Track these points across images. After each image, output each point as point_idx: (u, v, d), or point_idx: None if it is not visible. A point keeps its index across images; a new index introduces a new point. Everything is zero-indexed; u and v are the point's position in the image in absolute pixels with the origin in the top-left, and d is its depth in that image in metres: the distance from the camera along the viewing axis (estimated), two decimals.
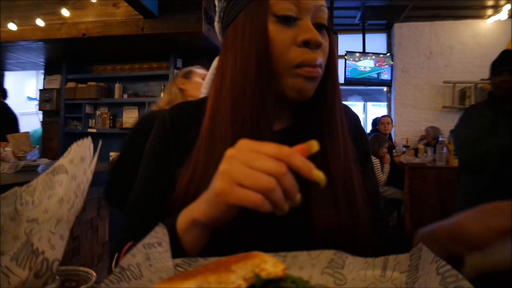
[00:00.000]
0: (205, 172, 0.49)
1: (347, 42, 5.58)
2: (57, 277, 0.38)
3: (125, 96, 4.16)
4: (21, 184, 0.42)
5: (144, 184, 0.59)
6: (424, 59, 5.52)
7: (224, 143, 0.49)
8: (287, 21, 0.51)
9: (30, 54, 4.09)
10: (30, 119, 6.73)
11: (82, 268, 0.45)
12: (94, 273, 0.44)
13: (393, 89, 5.70)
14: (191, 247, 0.41)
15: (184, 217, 0.42)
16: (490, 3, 4.91)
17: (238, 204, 0.35)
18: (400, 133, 5.50)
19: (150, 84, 4.16)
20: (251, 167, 0.35)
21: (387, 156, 3.62)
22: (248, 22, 0.52)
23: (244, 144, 0.37)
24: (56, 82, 4.35)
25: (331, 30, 0.56)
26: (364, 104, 6.57)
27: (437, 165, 3.36)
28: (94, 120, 4.24)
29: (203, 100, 0.59)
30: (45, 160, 2.14)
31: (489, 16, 5.23)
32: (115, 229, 2.32)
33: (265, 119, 0.51)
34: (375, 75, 5.58)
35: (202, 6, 3.20)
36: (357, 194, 0.54)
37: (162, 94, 3.97)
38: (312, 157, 0.55)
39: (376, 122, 4.59)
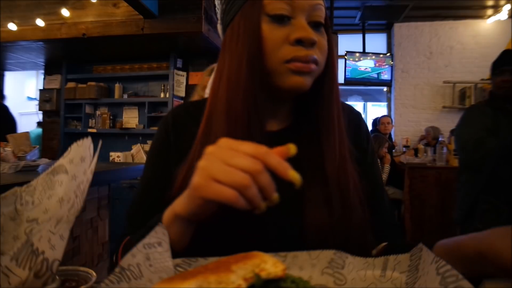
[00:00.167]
0: None
1: (347, 42, 5.58)
2: (57, 277, 0.38)
3: (125, 96, 4.16)
4: (21, 184, 0.42)
5: (146, 184, 0.61)
6: (424, 59, 5.52)
7: None
8: (280, 20, 0.51)
9: (30, 54, 4.08)
10: (30, 119, 6.74)
11: (82, 268, 0.45)
12: (94, 273, 0.44)
13: (393, 89, 5.70)
14: (175, 241, 0.42)
15: (168, 212, 0.44)
16: (490, 3, 4.91)
17: (213, 199, 0.36)
18: (400, 133, 5.50)
19: (150, 84, 4.15)
20: (228, 164, 0.36)
21: (388, 156, 3.62)
22: (242, 22, 0.53)
23: (224, 142, 0.38)
24: (56, 82, 4.35)
25: (330, 28, 0.56)
26: (364, 104, 6.57)
27: (437, 165, 3.35)
28: (94, 120, 4.24)
29: (206, 101, 0.59)
30: (45, 160, 2.14)
31: (489, 16, 5.23)
32: (115, 229, 2.32)
33: (256, 119, 0.52)
34: (375, 75, 5.58)
35: (202, 6, 3.20)
36: (352, 194, 0.53)
37: (162, 94, 3.99)
38: (308, 156, 0.55)
39: (376, 122, 4.59)
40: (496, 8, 5.00)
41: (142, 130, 4.00)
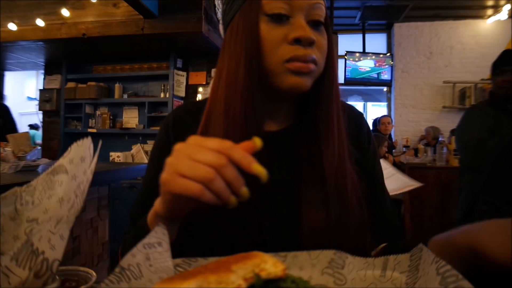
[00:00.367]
0: None
1: (347, 42, 5.57)
2: (57, 277, 0.38)
3: (125, 96, 4.15)
4: (21, 184, 0.42)
5: (148, 184, 0.62)
6: (424, 59, 5.52)
7: None
8: (278, 19, 0.51)
9: (30, 54, 4.08)
10: (30, 119, 6.73)
11: (82, 268, 0.45)
12: (94, 273, 0.44)
13: (393, 89, 5.70)
14: None
15: (151, 211, 0.45)
16: (490, 3, 4.91)
17: (179, 193, 0.37)
18: (400, 133, 5.49)
19: (150, 84, 4.15)
20: (192, 159, 0.37)
21: (390, 157, 3.61)
22: (241, 22, 0.53)
23: (192, 139, 0.39)
24: (56, 82, 4.35)
25: (330, 27, 0.56)
26: (364, 104, 6.57)
27: (437, 165, 3.36)
28: (94, 120, 4.24)
29: (206, 101, 0.60)
30: (45, 160, 2.14)
31: (489, 16, 5.23)
32: (115, 229, 2.32)
33: (254, 119, 0.52)
34: (375, 75, 5.58)
35: (202, 6, 3.20)
36: (350, 195, 0.53)
37: (162, 94, 3.99)
38: (306, 157, 0.55)
39: (376, 122, 4.58)
40: (496, 8, 5.00)
41: (142, 130, 4.00)
